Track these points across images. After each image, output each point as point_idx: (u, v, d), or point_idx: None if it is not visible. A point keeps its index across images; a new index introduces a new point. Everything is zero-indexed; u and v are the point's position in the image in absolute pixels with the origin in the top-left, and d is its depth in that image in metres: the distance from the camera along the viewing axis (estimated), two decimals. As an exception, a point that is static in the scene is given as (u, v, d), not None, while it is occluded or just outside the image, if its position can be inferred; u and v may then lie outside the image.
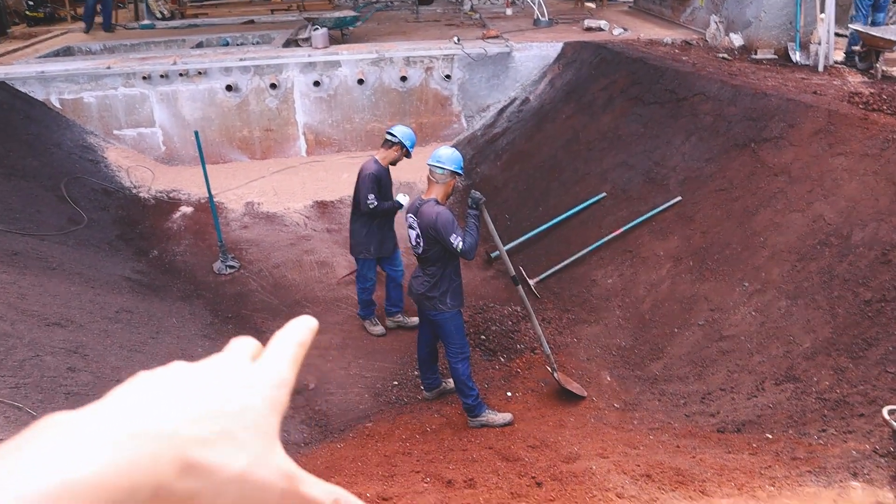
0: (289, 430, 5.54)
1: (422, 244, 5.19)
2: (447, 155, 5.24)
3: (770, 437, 4.71)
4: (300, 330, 0.60)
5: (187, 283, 7.95)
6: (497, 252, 5.67)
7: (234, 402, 0.49)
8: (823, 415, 4.75)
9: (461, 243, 5.00)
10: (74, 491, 0.38)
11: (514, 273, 5.61)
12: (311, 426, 5.70)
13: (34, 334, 5.19)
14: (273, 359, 0.57)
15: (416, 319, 7.07)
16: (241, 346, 0.58)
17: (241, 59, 10.84)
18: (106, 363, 5.27)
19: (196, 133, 7.89)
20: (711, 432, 4.99)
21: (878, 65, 8.57)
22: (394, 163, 6.62)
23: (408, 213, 5.36)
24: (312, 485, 0.51)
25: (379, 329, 7.00)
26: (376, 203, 6.41)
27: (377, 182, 6.38)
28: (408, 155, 6.66)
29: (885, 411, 4.06)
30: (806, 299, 5.74)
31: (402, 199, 6.62)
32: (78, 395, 4.69)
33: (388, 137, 6.62)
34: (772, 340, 5.67)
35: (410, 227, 5.28)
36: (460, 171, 5.33)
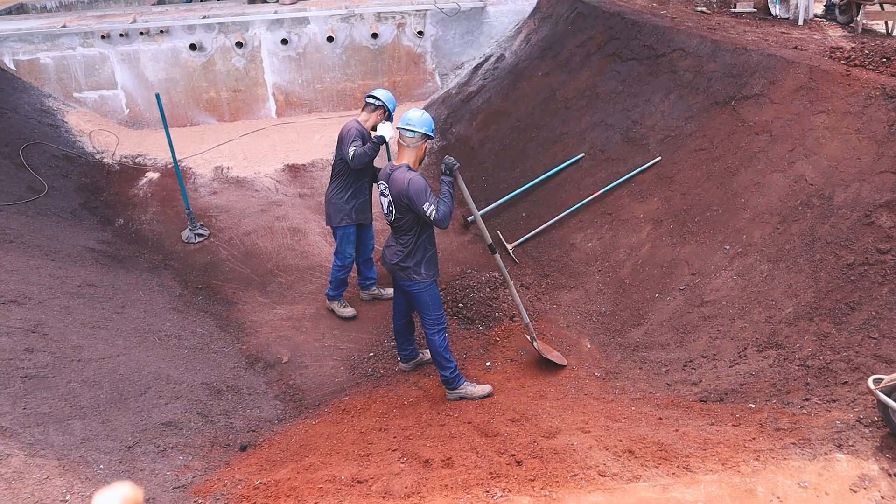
0: (262, 406, 5.38)
1: (394, 212, 4.98)
2: (417, 117, 5.00)
3: (753, 406, 4.62)
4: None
5: (155, 252, 7.69)
6: (473, 217, 5.47)
7: None
8: (807, 383, 4.68)
9: (434, 212, 4.80)
10: None
11: (490, 241, 5.42)
12: (286, 402, 5.55)
13: (-11, 314, 4.95)
14: None
15: (391, 291, 6.89)
16: None
17: (204, 17, 10.40)
18: (67, 342, 5.05)
19: (157, 96, 7.54)
20: (694, 402, 4.90)
21: (858, 18, 8.39)
22: (374, 127, 6.32)
23: (379, 179, 5.13)
24: None
25: (349, 311, 6.72)
26: (355, 149, 6.01)
27: (362, 137, 6.13)
28: (389, 118, 6.38)
29: (869, 381, 3.97)
30: (788, 262, 5.64)
31: (383, 127, 6.16)
32: (36, 377, 4.48)
33: (371, 101, 6.34)
34: (754, 305, 5.57)
35: (382, 194, 5.07)
36: (431, 134, 5.10)
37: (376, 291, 6.95)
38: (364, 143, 6.11)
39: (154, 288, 6.78)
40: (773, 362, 5.04)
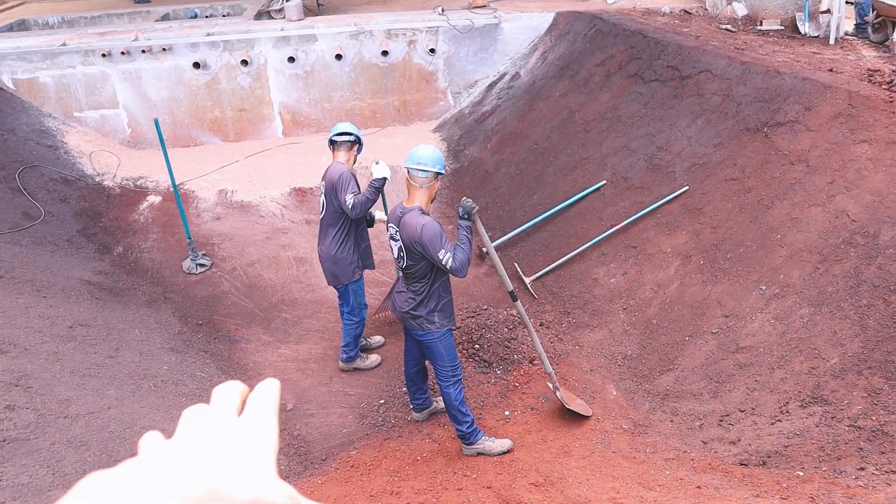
0: (264, 462, 4.99)
1: (406, 259, 4.58)
2: (428, 155, 4.58)
3: (801, 474, 4.21)
4: (271, 389, 0.70)
5: (154, 284, 7.32)
6: (486, 248, 5.04)
7: (240, 448, 0.61)
8: (860, 447, 4.26)
9: (451, 260, 4.39)
10: None
11: (511, 288, 5.02)
12: (290, 455, 5.15)
13: (-31, 367, 4.58)
14: (256, 411, 0.66)
15: (378, 338, 6.50)
16: (227, 398, 0.69)
17: (208, 34, 10.06)
18: (53, 395, 4.67)
19: (156, 122, 7.18)
20: (734, 465, 4.48)
21: (894, 37, 7.97)
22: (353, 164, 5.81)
23: (389, 222, 4.73)
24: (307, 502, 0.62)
25: (374, 358, 6.24)
26: (357, 193, 5.42)
27: (355, 181, 5.54)
28: (359, 150, 5.91)
29: (938, 455, 3.56)
30: (831, 307, 5.22)
31: (378, 168, 5.55)
32: (16, 440, 4.10)
33: (346, 138, 5.68)
34: (794, 354, 5.15)
35: (392, 238, 4.67)
36: (443, 172, 4.70)
37: (363, 342, 6.35)
38: (358, 188, 5.53)
39: (152, 325, 6.41)
40: (819, 421, 4.62)
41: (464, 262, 4.41)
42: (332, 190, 5.52)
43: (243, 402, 0.69)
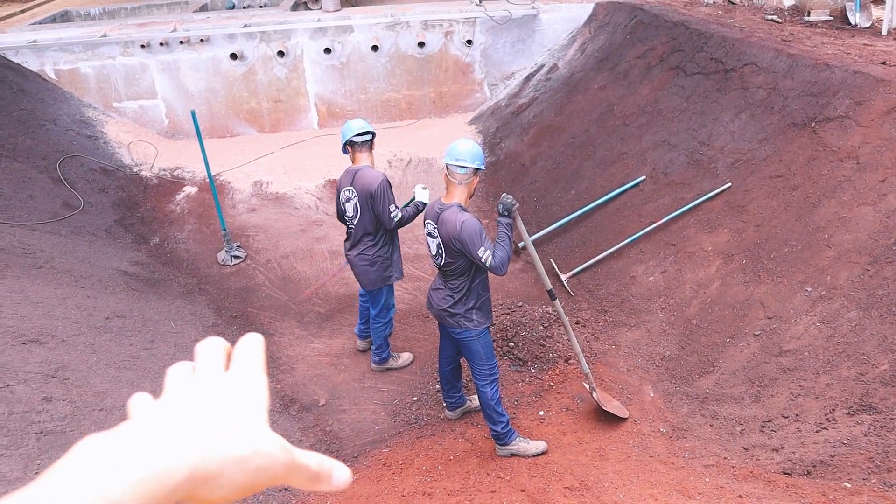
0: (296, 458, 4.96)
1: (444, 256, 4.50)
2: (468, 151, 4.47)
3: (849, 486, 4.05)
4: (255, 343, 0.72)
5: (189, 275, 7.35)
6: (524, 243, 4.92)
7: (229, 404, 0.61)
8: (911, 459, 4.09)
9: (491, 258, 4.30)
10: (123, 497, 0.50)
11: (549, 286, 4.91)
12: (322, 452, 5.09)
13: (6, 357, 4.61)
14: (242, 365, 0.68)
15: (407, 356, 6.27)
16: (212, 354, 0.69)
17: (245, 25, 10.07)
18: (89, 387, 4.69)
19: (193, 113, 7.18)
20: (776, 474, 4.34)
21: (950, 29, 7.66)
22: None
23: (426, 218, 4.65)
24: (302, 454, 0.65)
25: (406, 356, 6.16)
26: (401, 213, 5.42)
27: (391, 188, 5.46)
28: None
29: None
30: (881, 311, 5.02)
31: (422, 193, 5.60)
32: (52, 433, 4.12)
33: (366, 137, 5.52)
34: (841, 359, 4.97)
35: (430, 234, 4.59)
36: (482, 168, 4.60)
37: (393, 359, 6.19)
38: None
39: (187, 317, 6.43)
40: (867, 430, 4.45)
41: (503, 260, 4.32)
42: (369, 199, 5.37)
43: (228, 358, 0.70)
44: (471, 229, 4.29)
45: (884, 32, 8.15)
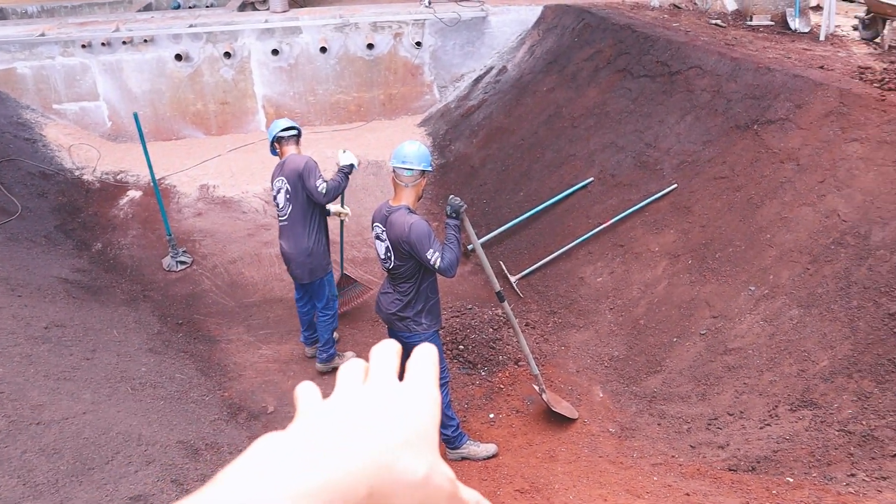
0: (243, 467, 4.86)
1: (393, 259, 4.46)
2: (413, 152, 4.44)
3: (791, 480, 4.13)
4: (430, 355, 0.67)
5: (133, 282, 7.17)
6: (473, 245, 4.93)
7: (410, 418, 0.57)
8: (850, 453, 4.19)
9: (440, 260, 4.28)
10: (315, 492, 0.48)
11: (499, 288, 4.91)
12: (270, 460, 5.02)
13: (-63, 371, 4.43)
14: (422, 377, 0.64)
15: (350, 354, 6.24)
16: (388, 361, 0.65)
17: (190, 26, 9.87)
18: (26, 401, 4.52)
19: (135, 116, 7.02)
20: (722, 471, 4.41)
21: (885, 34, 7.90)
22: None
23: (374, 221, 4.60)
24: (464, 489, 0.60)
25: (350, 354, 6.10)
26: (326, 183, 5.37)
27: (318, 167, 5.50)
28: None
29: (930, 463, 3.49)
30: (821, 309, 5.15)
31: (344, 156, 5.63)
32: (-14, 450, 3.96)
33: (292, 132, 5.68)
34: (784, 356, 5.08)
35: (378, 237, 4.55)
36: (430, 169, 4.58)
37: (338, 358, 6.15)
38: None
39: (130, 325, 6.26)
40: (808, 425, 4.55)
41: (452, 262, 4.30)
42: (298, 180, 5.39)
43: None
44: (419, 231, 4.26)
45: (822, 37, 8.37)
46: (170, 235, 7.40)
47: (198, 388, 5.61)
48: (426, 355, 0.67)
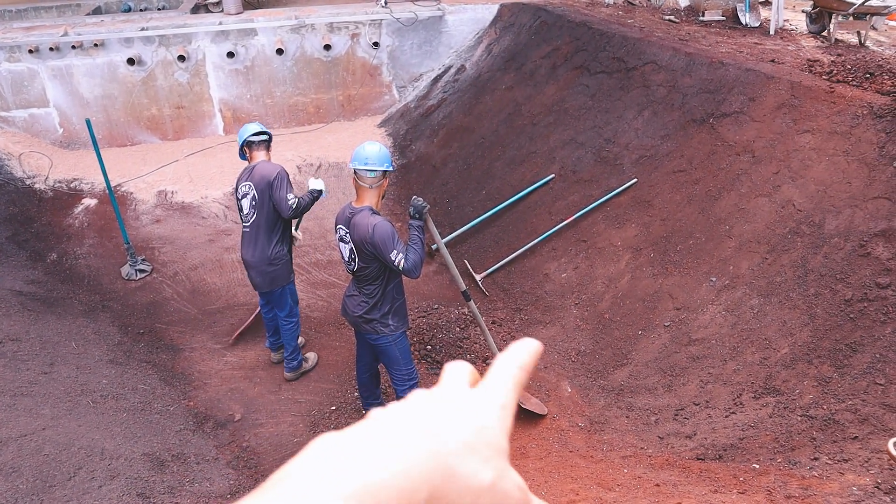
0: (212, 477, 4.79)
1: (357, 260, 4.43)
2: (374, 153, 4.41)
3: (757, 467, 4.21)
4: (521, 353, 0.64)
5: (91, 293, 7.01)
6: (437, 245, 4.93)
7: (476, 424, 0.55)
8: (812, 437, 4.29)
9: (404, 261, 4.27)
10: (373, 492, 0.47)
11: (464, 288, 4.92)
12: (239, 469, 4.97)
13: None
14: (496, 383, 0.61)
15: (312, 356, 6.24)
16: (459, 373, 0.63)
17: (142, 29, 9.69)
18: (-18, 418, 4.40)
19: (88, 122, 6.87)
20: (691, 460, 4.47)
21: (830, 28, 8.10)
22: None
23: (337, 224, 4.56)
24: (536, 499, 0.58)
25: (313, 355, 6.13)
26: (297, 200, 5.35)
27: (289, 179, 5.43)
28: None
29: (890, 445, 3.58)
30: (780, 297, 5.26)
31: (315, 182, 5.61)
32: (-57, 470, 3.84)
33: (262, 137, 5.53)
34: (746, 345, 5.18)
35: (342, 240, 4.51)
36: (392, 169, 4.56)
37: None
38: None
39: (89, 336, 6.12)
40: (772, 411, 4.64)
41: (416, 263, 4.29)
42: (267, 188, 5.30)
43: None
44: (383, 232, 4.24)
45: (771, 32, 8.55)
46: (128, 243, 7.26)
47: (162, 399, 5.51)
48: (516, 351, 0.64)
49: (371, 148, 4.42)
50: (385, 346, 4.65)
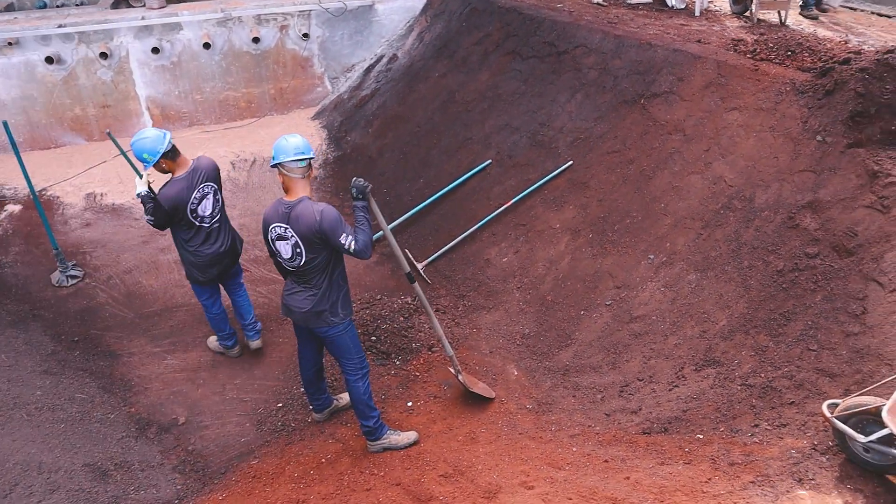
0: (159, 483, 4.68)
1: (304, 254, 4.32)
2: (301, 142, 4.33)
3: (701, 437, 4.32)
4: None
5: (20, 302, 6.74)
6: (380, 233, 4.90)
7: None
8: (752, 405, 4.42)
9: (354, 243, 4.22)
10: None
11: (408, 269, 4.89)
12: (186, 473, 4.85)
13: None
14: None
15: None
16: None
17: (60, 26, 9.33)
18: None
19: (5, 124, 6.59)
20: (637, 435, 4.56)
21: (752, 8, 8.31)
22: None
23: (271, 224, 4.40)
24: None
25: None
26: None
27: None
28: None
29: (824, 408, 3.71)
30: (716, 271, 5.40)
31: (141, 184, 5.21)
32: None
33: (171, 146, 5.17)
34: (685, 319, 5.30)
35: (280, 238, 4.37)
36: (314, 155, 4.51)
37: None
38: None
39: (20, 347, 5.89)
40: (713, 382, 4.77)
41: (367, 243, 4.26)
42: (217, 177, 5.41)
43: None
44: (331, 217, 4.19)
45: (697, 13, 8.73)
46: (57, 249, 7.00)
47: (101, 407, 5.34)
48: None
49: (294, 139, 4.35)
50: (336, 335, 4.58)
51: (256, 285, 7.04)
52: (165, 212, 5.14)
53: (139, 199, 5.18)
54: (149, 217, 5.16)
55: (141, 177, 5.18)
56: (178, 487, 4.70)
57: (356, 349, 4.70)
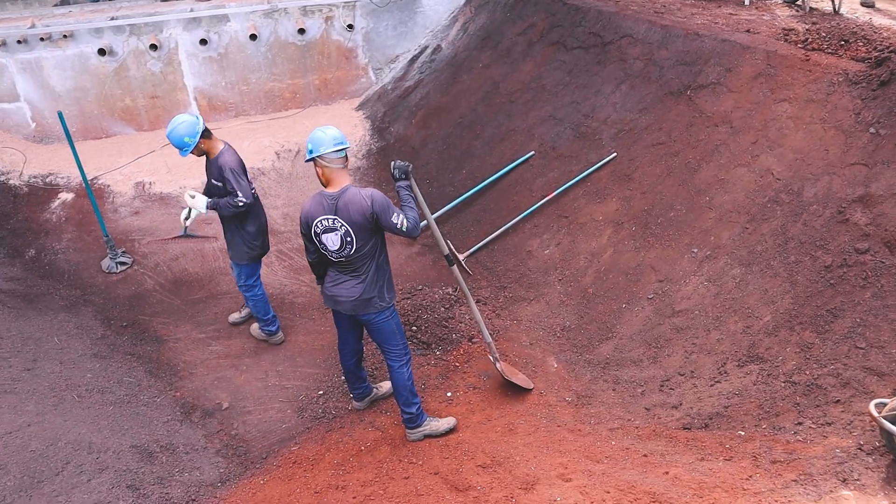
0: (202, 466, 4.78)
1: (354, 242, 4.33)
2: (337, 133, 4.37)
3: (743, 434, 4.26)
4: None
5: (72, 287, 6.94)
6: (423, 222, 4.93)
7: None
8: (796, 402, 4.34)
9: (405, 221, 4.27)
10: None
11: (447, 251, 4.90)
12: (229, 457, 4.95)
13: None
14: None
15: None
16: None
17: (112, 18, 9.53)
18: (-34, 418, 4.36)
19: (60, 114, 6.77)
20: (677, 430, 4.51)
21: (805, -5, 8.10)
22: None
23: (315, 219, 4.41)
24: None
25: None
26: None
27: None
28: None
29: (871, 407, 3.63)
30: (761, 266, 5.30)
31: (192, 201, 5.59)
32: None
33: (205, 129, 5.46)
34: (729, 314, 5.22)
35: (327, 230, 4.37)
36: (349, 144, 4.58)
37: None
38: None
39: (72, 331, 6.07)
40: (756, 379, 4.69)
41: (417, 221, 4.34)
42: (243, 172, 5.60)
43: None
44: (381, 199, 4.27)
45: (746, 2, 8.54)
46: (107, 236, 7.19)
47: (148, 391, 5.48)
48: None
49: (331, 130, 4.37)
50: (382, 321, 4.62)
51: (299, 274, 7.13)
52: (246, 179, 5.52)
53: (212, 210, 5.54)
54: (238, 201, 5.40)
55: (189, 211, 5.70)
56: (221, 471, 4.80)
57: (400, 335, 4.74)
